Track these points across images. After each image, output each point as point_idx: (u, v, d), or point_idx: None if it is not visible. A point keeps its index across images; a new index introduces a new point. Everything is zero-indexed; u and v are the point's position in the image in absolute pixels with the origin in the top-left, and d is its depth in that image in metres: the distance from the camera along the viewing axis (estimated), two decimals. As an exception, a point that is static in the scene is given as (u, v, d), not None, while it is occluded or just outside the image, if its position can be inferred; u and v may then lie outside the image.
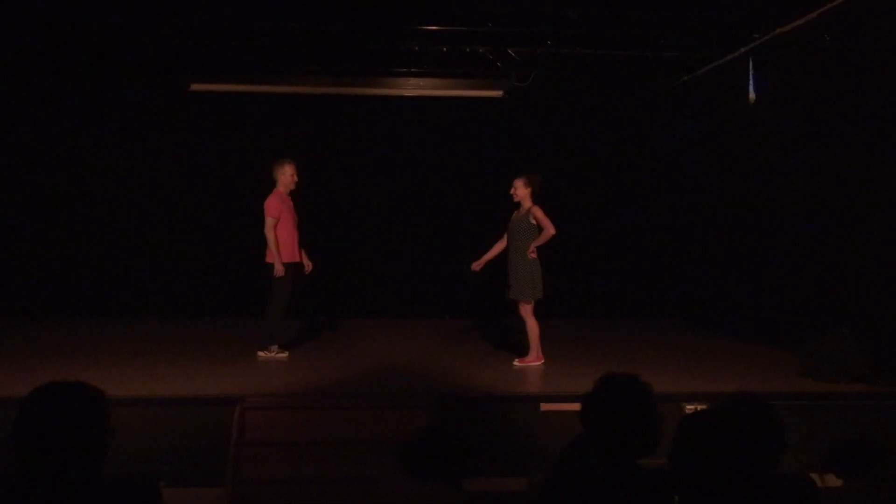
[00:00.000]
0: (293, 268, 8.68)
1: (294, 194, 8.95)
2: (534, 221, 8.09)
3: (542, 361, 8.24)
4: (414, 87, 12.02)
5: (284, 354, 8.58)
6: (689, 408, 6.50)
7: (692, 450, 2.66)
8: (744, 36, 10.23)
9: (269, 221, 8.55)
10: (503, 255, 8.48)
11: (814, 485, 3.10)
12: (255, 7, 10.03)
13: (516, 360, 8.32)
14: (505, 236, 8.46)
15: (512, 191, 8.23)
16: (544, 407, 6.56)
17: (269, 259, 8.63)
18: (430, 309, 12.49)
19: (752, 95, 10.13)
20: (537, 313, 8.29)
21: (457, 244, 12.52)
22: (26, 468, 2.31)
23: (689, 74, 12.02)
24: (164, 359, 8.34)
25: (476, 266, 8.64)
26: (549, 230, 8.01)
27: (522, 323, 8.30)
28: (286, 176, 8.76)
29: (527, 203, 8.16)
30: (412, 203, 12.72)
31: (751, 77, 10.12)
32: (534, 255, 8.06)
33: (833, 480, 3.93)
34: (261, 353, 8.54)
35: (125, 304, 12.23)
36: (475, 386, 7.15)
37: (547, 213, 8.11)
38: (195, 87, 11.68)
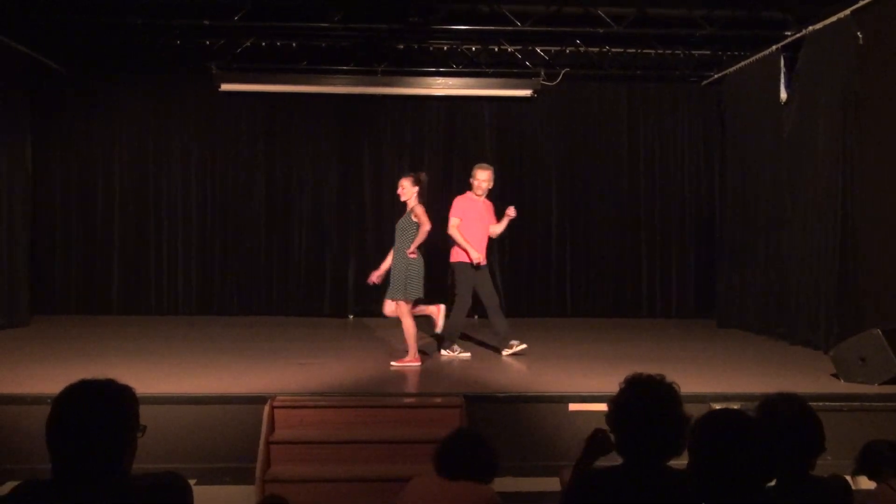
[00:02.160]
0: (476, 269, 8.63)
1: (490, 196, 8.91)
2: (415, 219, 7.92)
3: (420, 363, 8.08)
4: (443, 87, 12.03)
5: (467, 355, 8.63)
6: (719, 408, 6.46)
7: (719, 449, 2.64)
8: (775, 34, 10.16)
9: (450, 221, 8.61)
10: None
11: (848, 487, 3.08)
12: (283, 7, 10.12)
13: (393, 361, 8.11)
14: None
15: (399, 190, 8.08)
16: (573, 407, 6.53)
17: (452, 259, 8.70)
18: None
19: (783, 94, 10.04)
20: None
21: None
22: (57, 465, 2.33)
23: (720, 73, 11.94)
24: (193, 357, 8.39)
25: (375, 278, 8.45)
26: (425, 226, 7.85)
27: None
28: (475, 180, 8.71)
29: (412, 203, 8.02)
30: (440, 202, 12.70)
31: (782, 75, 10.03)
32: (413, 255, 7.90)
33: (865, 483, 3.89)
34: (443, 353, 8.64)
35: (155, 303, 12.35)
36: (504, 385, 7.14)
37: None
38: (225, 87, 11.77)
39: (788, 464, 2.94)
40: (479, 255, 8.53)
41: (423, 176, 8.20)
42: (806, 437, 3.01)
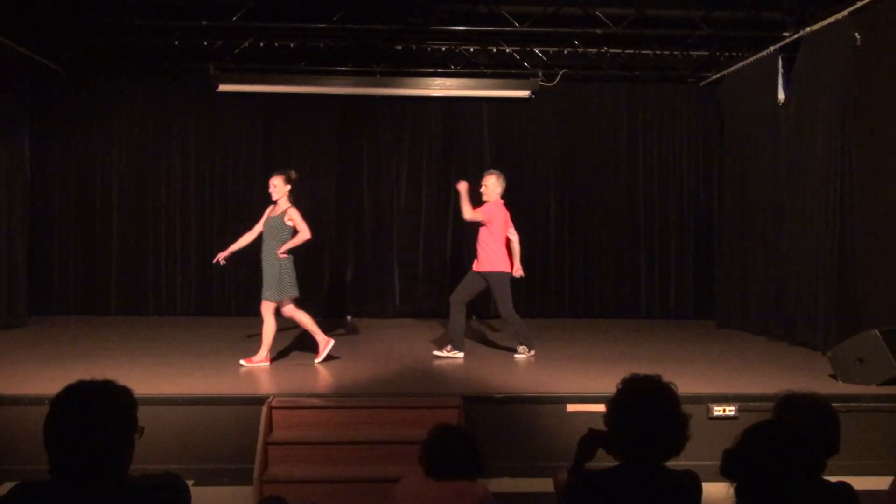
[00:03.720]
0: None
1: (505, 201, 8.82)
2: (289, 222, 7.83)
3: (269, 363, 7.97)
4: (441, 88, 12.03)
5: (458, 355, 8.57)
6: (717, 409, 6.48)
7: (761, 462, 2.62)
8: (773, 35, 10.16)
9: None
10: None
11: (854, 494, 3.06)
12: (282, 8, 10.12)
13: (243, 359, 7.97)
14: (255, 228, 8.21)
15: (270, 189, 7.96)
16: (571, 408, 6.53)
17: None
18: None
19: (781, 95, 10.05)
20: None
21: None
22: (55, 466, 2.33)
23: (718, 73, 11.94)
24: (191, 358, 8.38)
25: (221, 258, 8.38)
26: (305, 234, 7.80)
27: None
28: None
29: (284, 202, 7.91)
30: (439, 203, 12.73)
31: (780, 76, 10.04)
32: (284, 256, 7.80)
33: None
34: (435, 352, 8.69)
35: (154, 304, 12.34)
36: (501, 386, 7.14)
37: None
38: (223, 87, 11.77)
39: (802, 462, 2.94)
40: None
41: (294, 174, 8.10)
42: (824, 436, 3.02)
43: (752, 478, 2.61)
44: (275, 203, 8.04)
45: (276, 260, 7.81)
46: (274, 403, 6.37)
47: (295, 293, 7.92)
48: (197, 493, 2.94)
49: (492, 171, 8.83)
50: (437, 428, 3.87)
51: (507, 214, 8.70)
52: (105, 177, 12.32)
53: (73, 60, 11.71)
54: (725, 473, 2.66)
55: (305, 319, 8.02)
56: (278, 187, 7.94)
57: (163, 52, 11.53)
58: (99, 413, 2.35)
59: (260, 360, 7.92)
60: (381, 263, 12.64)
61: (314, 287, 12.55)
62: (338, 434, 6.33)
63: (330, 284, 12.58)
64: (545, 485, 5.94)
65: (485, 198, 8.65)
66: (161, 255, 12.41)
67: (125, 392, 2.49)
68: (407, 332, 10.75)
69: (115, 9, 9.94)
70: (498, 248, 8.55)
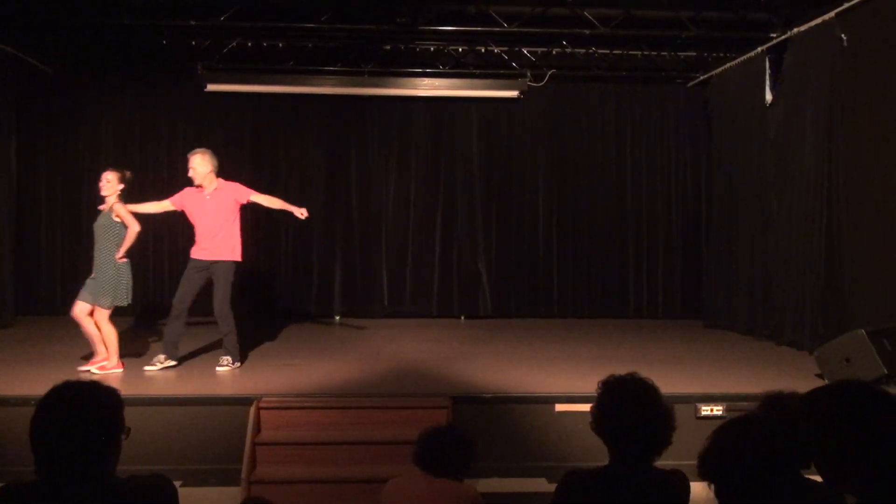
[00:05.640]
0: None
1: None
2: (117, 219, 7.49)
3: (123, 368, 7.53)
4: (429, 88, 12.02)
5: (172, 363, 7.90)
6: (705, 408, 6.49)
7: (734, 457, 2.63)
8: (761, 36, 10.19)
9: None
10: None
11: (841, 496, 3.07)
12: (270, 7, 10.10)
13: (95, 366, 7.43)
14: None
15: (101, 183, 7.61)
16: (559, 408, 6.54)
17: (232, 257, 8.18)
18: (446, 309, 12.49)
19: (768, 95, 10.09)
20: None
21: (472, 244, 12.56)
22: (41, 468, 2.32)
23: (706, 74, 11.97)
24: (179, 358, 8.35)
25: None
26: (133, 228, 7.47)
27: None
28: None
29: (113, 199, 7.56)
30: (427, 203, 12.71)
31: (767, 77, 10.07)
32: (122, 259, 7.48)
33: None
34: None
35: (140, 304, 12.26)
36: (491, 386, 7.14)
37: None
38: (211, 87, 11.73)
39: (786, 461, 2.95)
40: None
41: (130, 175, 7.83)
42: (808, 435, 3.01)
43: (728, 476, 2.62)
44: (104, 202, 7.71)
45: (115, 264, 7.48)
46: (262, 404, 6.37)
47: (128, 301, 7.62)
48: (184, 494, 2.93)
49: (196, 150, 8.27)
50: (434, 427, 3.91)
51: (230, 189, 8.19)
52: (92, 176, 12.14)
53: (59, 59, 11.64)
54: (703, 475, 2.67)
55: (111, 335, 7.50)
56: (111, 183, 7.59)
57: (151, 52, 11.47)
58: (85, 414, 2.35)
59: (113, 367, 7.49)
60: (369, 263, 12.61)
61: (302, 287, 12.55)
62: (326, 435, 6.32)
63: (318, 285, 12.54)
64: (534, 485, 5.97)
65: (197, 182, 8.15)
66: (148, 256, 12.35)
67: (112, 392, 2.48)
68: (395, 332, 10.73)
69: (103, 7, 9.89)
70: (221, 235, 8.13)
